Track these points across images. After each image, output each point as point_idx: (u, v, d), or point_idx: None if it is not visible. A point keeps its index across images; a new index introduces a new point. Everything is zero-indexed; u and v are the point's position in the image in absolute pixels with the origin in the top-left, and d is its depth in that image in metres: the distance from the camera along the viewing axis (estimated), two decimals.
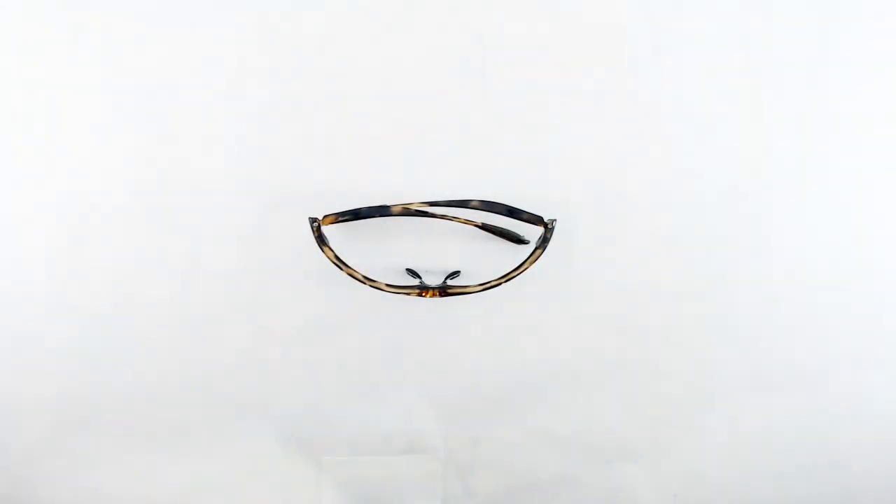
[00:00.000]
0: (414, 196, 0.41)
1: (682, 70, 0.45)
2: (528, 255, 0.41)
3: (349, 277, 0.41)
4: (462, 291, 0.41)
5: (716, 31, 0.45)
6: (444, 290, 0.41)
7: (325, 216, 0.41)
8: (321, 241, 0.40)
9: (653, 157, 0.46)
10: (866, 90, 0.46)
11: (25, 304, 0.44)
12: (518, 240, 0.44)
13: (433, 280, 0.44)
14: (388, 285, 0.41)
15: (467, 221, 0.43)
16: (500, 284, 0.41)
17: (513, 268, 0.42)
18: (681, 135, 0.46)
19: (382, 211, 0.40)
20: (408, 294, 0.41)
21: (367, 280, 0.41)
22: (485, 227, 0.44)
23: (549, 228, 0.41)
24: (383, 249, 0.44)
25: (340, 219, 0.41)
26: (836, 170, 0.47)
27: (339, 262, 0.41)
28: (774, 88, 0.46)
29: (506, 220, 0.41)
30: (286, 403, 0.46)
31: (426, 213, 0.41)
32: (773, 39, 0.45)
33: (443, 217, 0.42)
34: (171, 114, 0.44)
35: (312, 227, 0.40)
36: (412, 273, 0.44)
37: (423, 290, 0.41)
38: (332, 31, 0.44)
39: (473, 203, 0.40)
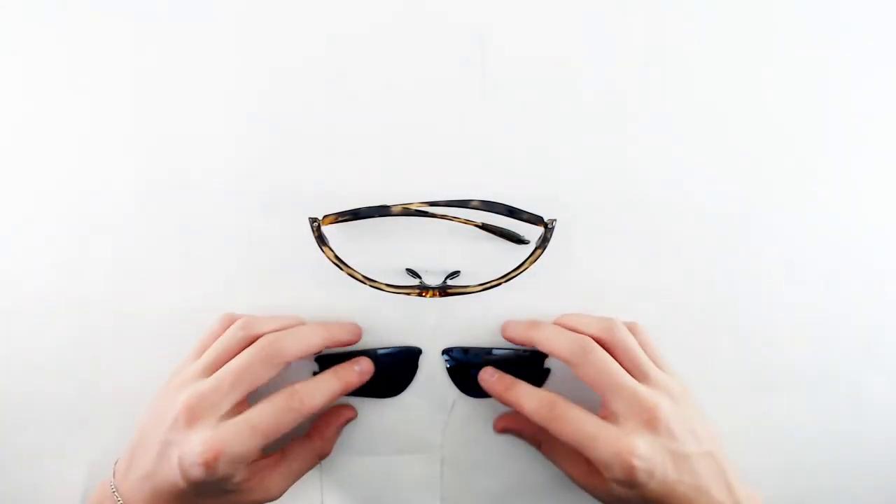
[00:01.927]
0: (414, 196, 0.41)
1: (684, 70, 0.45)
2: (528, 255, 0.41)
3: (349, 277, 0.41)
4: (462, 291, 0.41)
5: (717, 30, 0.45)
6: (444, 290, 0.41)
7: (325, 216, 0.41)
8: (321, 241, 0.40)
9: (654, 157, 0.46)
10: (869, 89, 0.46)
11: (25, 304, 0.44)
12: (518, 240, 0.44)
13: (433, 280, 0.44)
14: (388, 285, 0.41)
15: (467, 221, 0.43)
16: (499, 284, 0.41)
17: (513, 268, 0.42)
18: (682, 135, 0.46)
19: (382, 211, 0.40)
20: (408, 294, 0.41)
21: (367, 280, 0.41)
22: (485, 227, 0.44)
23: (549, 228, 0.41)
24: (383, 249, 0.44)
25: (340, 219, 0.41)
26: (838, 169, 0.47)
27: (339, 262, 0.41)
28: (776, 88, 0.46)
29: (506, 220, 0.41)
30: None
31: (426, 213, 0.41)
32: (774, 38, 0.45)
33: (443, 217, 0.42)
34: (171, 113, 0.44)
35: (312, 227, 0.40)
36: (412, 273, 0.44)
37: (423, 290, 0.41)
38: (331, 30, 0.44)
39: (473, 203, 0.40)
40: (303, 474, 0.40)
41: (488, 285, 0.41)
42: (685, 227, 0.46)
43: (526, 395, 0.38)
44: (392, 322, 0.45)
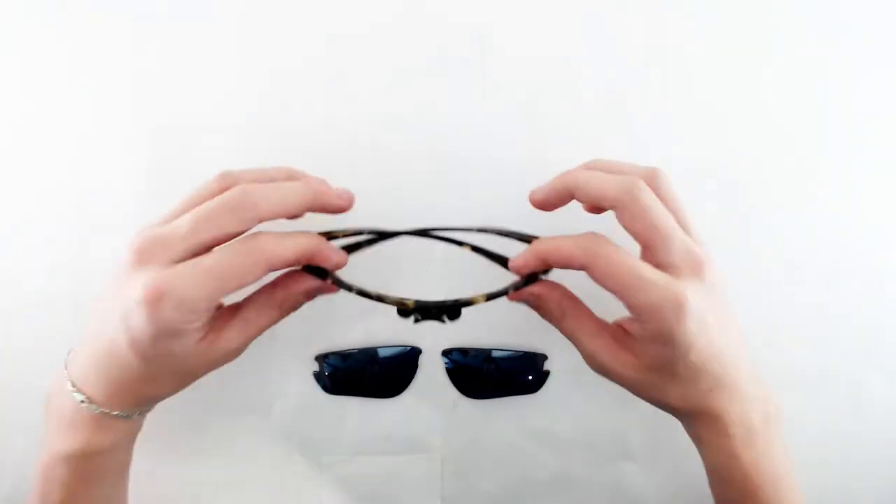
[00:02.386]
0: (414, 195, 0.41)
1: (684, 70, 0.45)
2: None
3: (351, 280, 0.41)
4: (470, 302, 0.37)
5: (717, 30, 0.45)
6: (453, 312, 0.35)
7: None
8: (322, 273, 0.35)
9: (655, 156, 0.45)
10: (869, 89, 0.46)
11: (26, 303, 0.44)
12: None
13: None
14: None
15: (462, 243, 0.38)
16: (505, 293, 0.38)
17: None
18: (682, 134, 0.46)
19: (381, 236, 0.36)
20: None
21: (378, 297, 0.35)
22: (475, 250, 0.39)
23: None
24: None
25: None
26: (838, 169, 0.47)
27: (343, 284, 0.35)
28: (776, 88, 0.46)
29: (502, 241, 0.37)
30: (286, 403, 0.46)
31: (428, 233, 0.37)
32: (774, 38, 0.45)
33: (446, 240, 0.38)
34: (172, 114, 0.44)
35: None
36: (403, 313, 0.36)
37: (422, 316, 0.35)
38: (331, 30, 0.44)
39: (485, 230, 0.36)
40: (261, 329, 0.34)
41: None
42: None
43: (564, 238, 0.32)
44: (392, 322, 0.45)
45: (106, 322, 0.30)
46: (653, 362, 0.32)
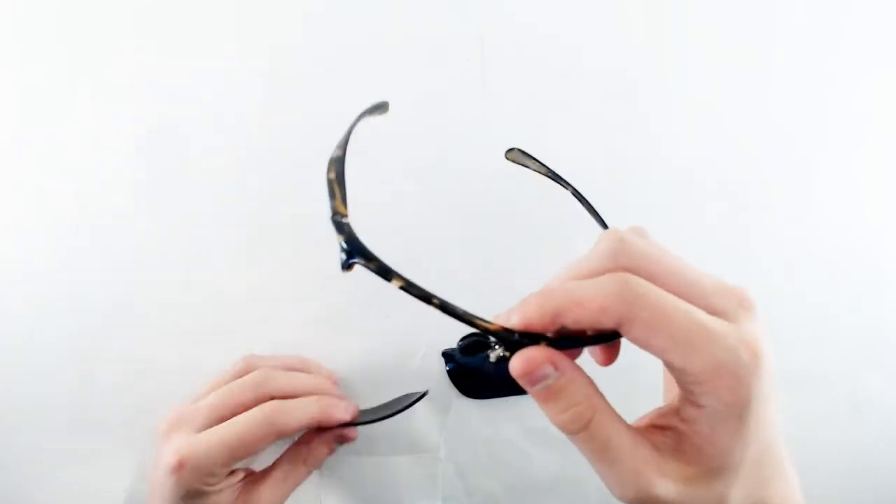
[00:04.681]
0: (413, 196, 0.41)
1: (684, 70, 0.45)
2: None
3: (349, 279, 0.41)
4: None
5: (718, 31, 0.45)
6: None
7: None
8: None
9: (655, 157, 0.46)
10: (869, 89, 0.46)
11: (25, 304, 0.44)
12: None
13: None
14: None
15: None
16: None
17: None
18: (683, 135, 0.46)
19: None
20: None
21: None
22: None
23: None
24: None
25: None
26: (838, 169, 0.47)
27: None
28: (776, 88, 0.46)
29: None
30: None
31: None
32: (775, 38, 0.45)
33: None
34: (172, 115, 0.44)
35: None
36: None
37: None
38: (331, 31, 0.44)
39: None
40: (292, 486, 0.39)
41: None
42: (685, 228, 0.46)
43: (581, 284, 0.22)
44: (391, 322, 0.45)
45: (153, 487, 0.35)
46: (714, 460, 0.21)
